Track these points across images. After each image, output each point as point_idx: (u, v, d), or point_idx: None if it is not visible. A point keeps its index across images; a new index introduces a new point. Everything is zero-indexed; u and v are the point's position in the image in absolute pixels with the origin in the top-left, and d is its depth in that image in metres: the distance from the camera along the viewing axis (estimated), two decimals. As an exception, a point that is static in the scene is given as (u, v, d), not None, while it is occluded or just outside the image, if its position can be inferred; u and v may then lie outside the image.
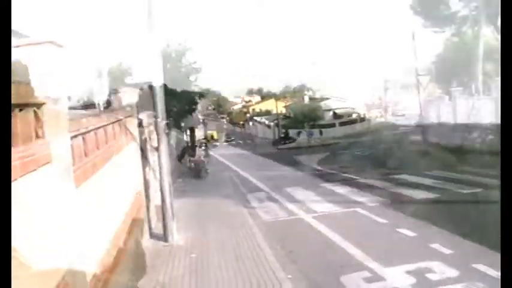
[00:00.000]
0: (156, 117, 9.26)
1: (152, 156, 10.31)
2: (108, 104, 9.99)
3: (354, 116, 78.13)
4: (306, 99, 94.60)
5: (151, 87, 9.45)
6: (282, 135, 58.92)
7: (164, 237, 9.27)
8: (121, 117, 7.49)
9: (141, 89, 10.80)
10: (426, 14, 31.14)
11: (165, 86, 9.81)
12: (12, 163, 2.75)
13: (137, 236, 7.96)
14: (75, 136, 4.38)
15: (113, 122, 6.69)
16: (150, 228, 9.58)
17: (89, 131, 4.99)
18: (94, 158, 5.14)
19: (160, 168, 9.41)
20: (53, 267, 3.41)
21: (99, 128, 5.57)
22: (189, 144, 35.70)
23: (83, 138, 4.73)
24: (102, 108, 11.81)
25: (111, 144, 6.34)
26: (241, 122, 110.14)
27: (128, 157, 7.85)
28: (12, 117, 2.85)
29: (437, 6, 30.47)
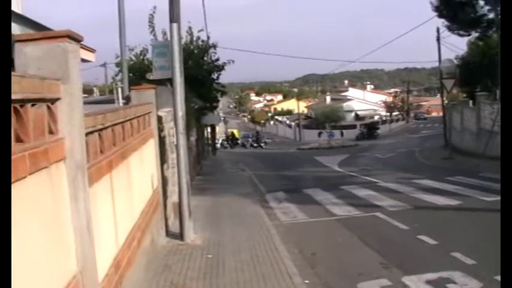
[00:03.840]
0: (175, 114, 9.17)
1: (171, 154, 10.23)
2: (128, 99, 9.91)
3: (376, 117, 77.74)
4: (328, 100, 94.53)
5: (172, 83, 9.36)
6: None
7: (180, 236, 9.18)
8: (140, 114, 7.40)
9: (162, 85, 10.70)
10: (452, 16, 30.69)
11: (186, 82, 9.72)
12: (22, 160, 2.65)
13: (153, 234, 7.88)
14: (91, 132, 4.28)
15: (132, 119, 6.60)
16: (166, 226, 9.50)
17: (106, 127, 4.90)
18: (110, 155, 5.05)
19: (178, 165, 9.33)
20: (63, 266, 3.32)
21: (116, 124, 5.48)
22: (210, 142, 35.80)
23: (99, 134, 4.63)
24: (121, 104, 11.79)
25: (129, 141, 6.25)
26: (262, 121, 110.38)
27: (146, 154, 7.77)
28: (23, 113, 2.76)
29: (464, 9, 30.00)
